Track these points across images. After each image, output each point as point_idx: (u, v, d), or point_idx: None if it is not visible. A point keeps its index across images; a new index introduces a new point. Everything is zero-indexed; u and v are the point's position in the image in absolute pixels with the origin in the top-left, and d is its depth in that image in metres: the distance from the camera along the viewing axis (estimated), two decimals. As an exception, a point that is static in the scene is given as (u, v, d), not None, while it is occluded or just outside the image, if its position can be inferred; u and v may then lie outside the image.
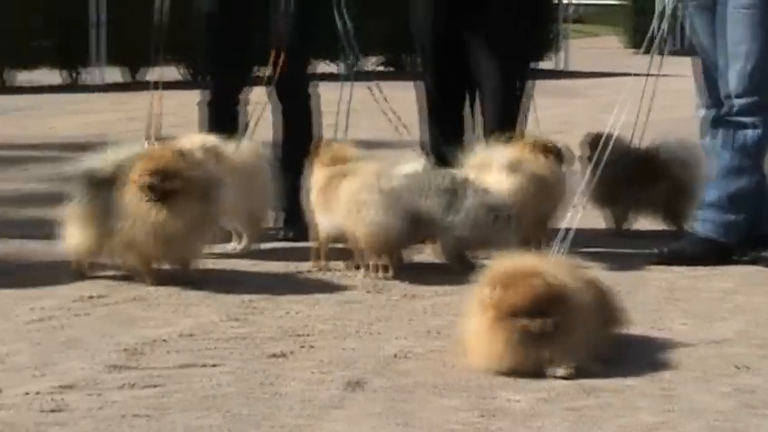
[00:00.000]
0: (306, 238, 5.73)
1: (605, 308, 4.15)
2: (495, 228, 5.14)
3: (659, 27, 5.67)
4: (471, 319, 4.00)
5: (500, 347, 3.86)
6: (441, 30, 6.09)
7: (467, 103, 6.29)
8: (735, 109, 5.57)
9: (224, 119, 6.19)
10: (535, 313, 3.80)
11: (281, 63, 5.89)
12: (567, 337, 3.84)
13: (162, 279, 5.20)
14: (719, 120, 5.69)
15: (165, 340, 4.30)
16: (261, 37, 6.20)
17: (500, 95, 6.10)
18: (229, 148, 5.72)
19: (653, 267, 5.58)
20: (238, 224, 5.84)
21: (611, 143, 5.54)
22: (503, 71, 6.07)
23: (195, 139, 5.70)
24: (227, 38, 6.22)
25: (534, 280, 3.91)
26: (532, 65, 6.92)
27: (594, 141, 5.67)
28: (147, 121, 5.85)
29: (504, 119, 6.01)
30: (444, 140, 5.99)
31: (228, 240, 5.94)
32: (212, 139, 5.71)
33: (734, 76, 5.55)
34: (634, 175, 6.16)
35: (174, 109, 6.65)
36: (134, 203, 5.01)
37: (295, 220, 5.98)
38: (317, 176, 5.41)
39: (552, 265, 4.05)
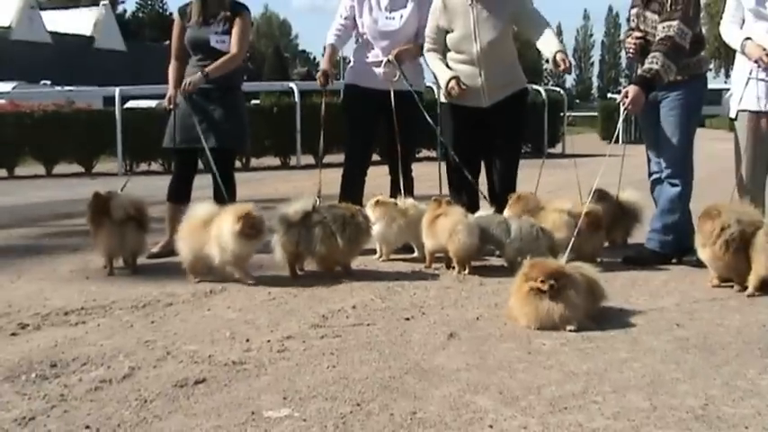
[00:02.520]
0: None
1: (594, 288, 4.17)
2: (537, 243, 5.14)
3: (617, 128, 5.66)
4: (515, 293, 4.08)
5: (528, 306, 3.97)
6: (465, 138, 6.08)
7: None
8: (665, 174, 5.56)
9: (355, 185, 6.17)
10: (546, 279, 3.91)
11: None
12: (570, 300, 3.92)
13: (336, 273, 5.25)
14: (658, 181, 5.67)
15: (342, 310, 4.36)
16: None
17: (507, 175, 6.14)
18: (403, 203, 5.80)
19: (624, 266, 5.54)
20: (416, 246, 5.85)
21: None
22: (508, 161, 6.14)
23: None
24: (362, 135, 6.23)
25: (550, 264, 4.04)
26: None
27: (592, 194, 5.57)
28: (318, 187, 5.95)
29: (509, 185, 6.05)
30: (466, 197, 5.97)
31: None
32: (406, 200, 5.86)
33: (666, 155, 5.54)
34: (616, 213, 6.11)
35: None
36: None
37: None
38: (427, 216, 5.44)
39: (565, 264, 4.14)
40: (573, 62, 6.04)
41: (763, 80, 5.14)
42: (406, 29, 6.08)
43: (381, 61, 6.03)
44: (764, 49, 5.11)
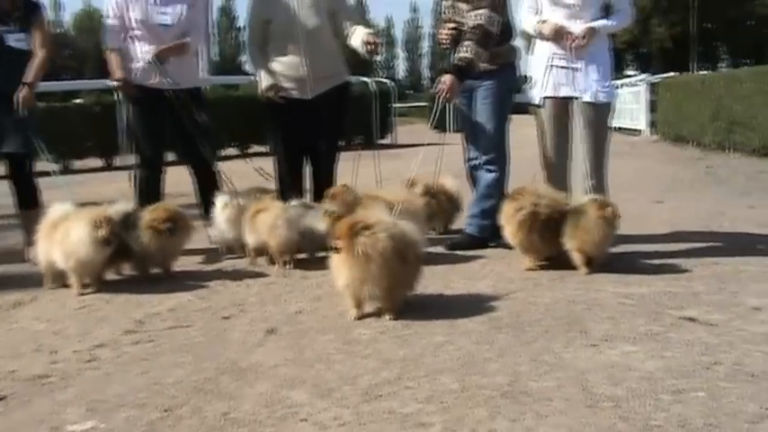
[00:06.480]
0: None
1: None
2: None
3: (434, 117, 5.76)
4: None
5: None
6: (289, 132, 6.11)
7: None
8: (482, 161, 5.74)
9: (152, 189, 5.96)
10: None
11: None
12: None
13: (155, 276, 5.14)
14: (476, 167, 5.84)
15: (159, 313, 4.27)
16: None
17: (328, 167, 6.20)
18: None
19: (445, 252, 5.67)
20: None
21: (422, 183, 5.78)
22: (328, 156, 6.19)
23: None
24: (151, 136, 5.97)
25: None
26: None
27: (408, 182, 5.70)
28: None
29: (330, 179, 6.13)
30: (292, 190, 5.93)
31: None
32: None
33: (481, 142, 5.73)
34: (434, 201, 6.22)
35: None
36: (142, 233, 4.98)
37: None
38: (249, 212, 5.38)
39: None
40: (380, 41, 6.08)
41: (561, 67, 5.37)
42: (180, 25, 5.88)
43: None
44: (559, 26, 5.36)
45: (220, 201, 5.68)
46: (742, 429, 2.55)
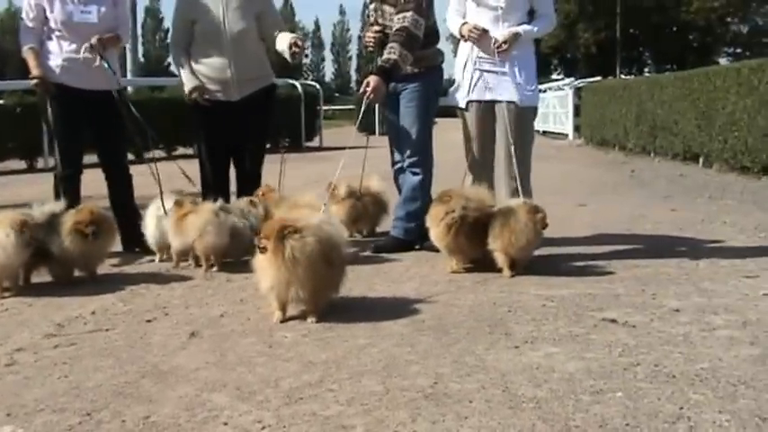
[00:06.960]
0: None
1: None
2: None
3: (359, 119, 5.81)
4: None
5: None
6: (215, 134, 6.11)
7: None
8: (407, 164, 5.78)
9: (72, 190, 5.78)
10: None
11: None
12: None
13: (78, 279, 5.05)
14: (401, 170, 5.88)
15: (80, 317, 4.20)
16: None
17: (254, 170, 6.20)
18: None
19: (370, 255, 5.71)
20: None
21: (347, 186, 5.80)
22: (254, 159, 6.19)
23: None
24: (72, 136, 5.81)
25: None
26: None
27: (331, 185, 5.74)
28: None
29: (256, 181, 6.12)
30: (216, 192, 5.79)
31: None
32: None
33: (406, 145, 5.77)
34: (361, 203, 6.27)
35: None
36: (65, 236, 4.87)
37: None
38: (174, 215, 5.32)
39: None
40: (305, 45, 6.12)
41: (486, 70, 5.47)
42: (104, 23, 5.76)
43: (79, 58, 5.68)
44: (475, 27, 5.47)
45: (154, 203, 5.62)
46: (660, 429, 2.63)
